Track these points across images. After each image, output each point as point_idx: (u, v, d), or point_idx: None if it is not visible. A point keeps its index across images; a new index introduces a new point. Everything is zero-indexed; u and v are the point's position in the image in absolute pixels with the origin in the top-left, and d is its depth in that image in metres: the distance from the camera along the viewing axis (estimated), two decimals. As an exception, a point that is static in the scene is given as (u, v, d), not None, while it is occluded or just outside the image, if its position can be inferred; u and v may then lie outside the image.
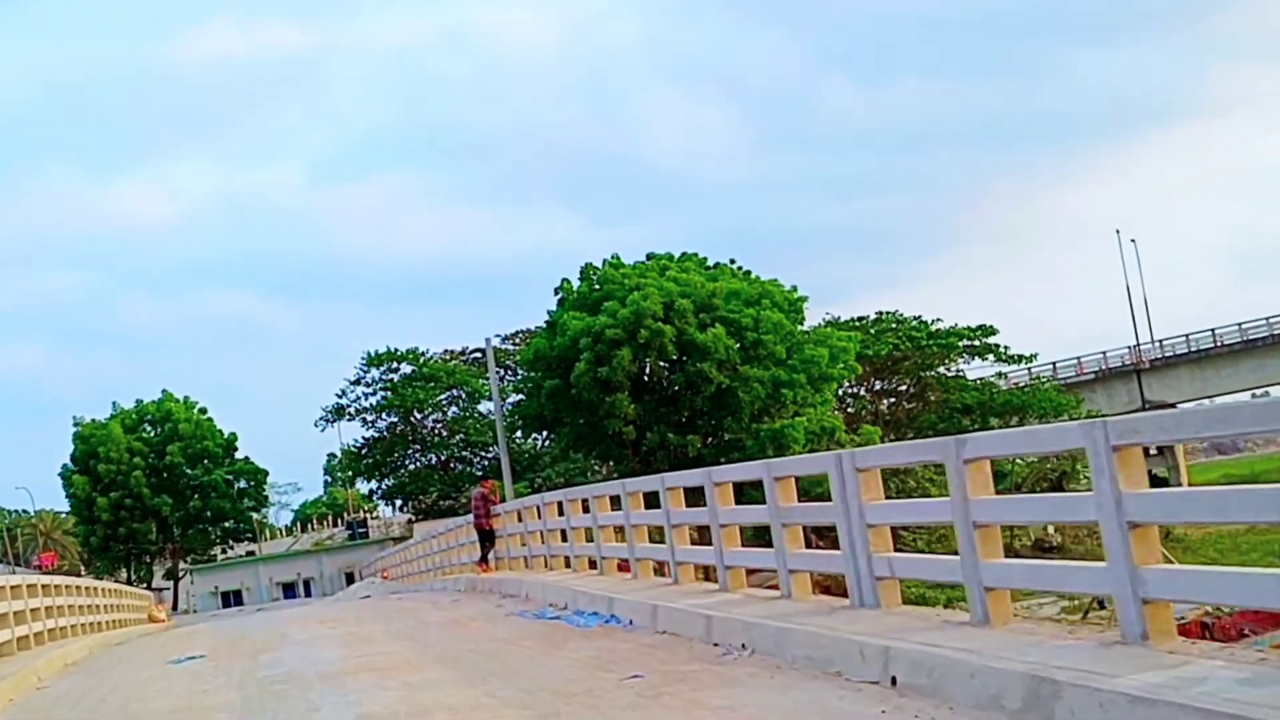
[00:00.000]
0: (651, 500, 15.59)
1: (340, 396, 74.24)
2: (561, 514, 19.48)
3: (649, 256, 51.60)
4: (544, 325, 51.39)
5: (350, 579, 68.55)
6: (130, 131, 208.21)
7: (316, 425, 74.58)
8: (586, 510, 17.94)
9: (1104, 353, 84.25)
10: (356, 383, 74.70)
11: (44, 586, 22.90)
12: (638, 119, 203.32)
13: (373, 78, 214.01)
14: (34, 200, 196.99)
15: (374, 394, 74.71)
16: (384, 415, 74.62)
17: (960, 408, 68.02)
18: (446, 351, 79.70)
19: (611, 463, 52.06)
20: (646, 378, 47.78)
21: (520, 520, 22.58)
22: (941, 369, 69.69)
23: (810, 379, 47.72)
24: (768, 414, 48.22)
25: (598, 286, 50.16)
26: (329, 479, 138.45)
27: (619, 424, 46.37)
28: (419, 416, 75.24)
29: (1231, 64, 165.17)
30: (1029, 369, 73.08)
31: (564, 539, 19.59)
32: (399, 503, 79.29)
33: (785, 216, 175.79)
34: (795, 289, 50.03)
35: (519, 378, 63.71)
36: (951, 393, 68.95)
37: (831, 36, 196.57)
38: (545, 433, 52.82)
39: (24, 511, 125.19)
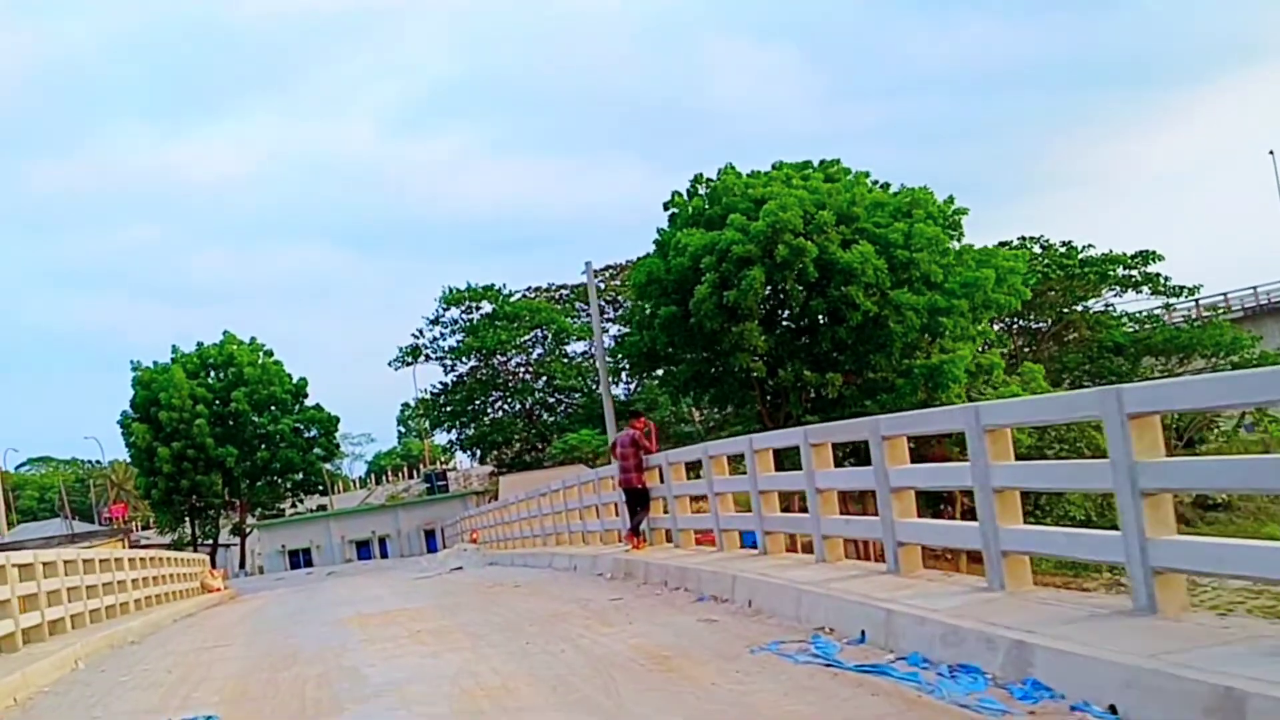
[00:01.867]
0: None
1: (417, 336, 67.84)
2: (788, 465, 12.34)
3: (775, 166, 44.07)
4: (653, 247, 44.08)
5: (430, 537, 62.25)
6: (200, 84, 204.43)
7: (391, 365, 68.46)
8: (857, 460, 10.74)
9: (1254, 288, 75.14)
10: (435, 322, 68.24)
11: (23, 567, 16.39)
12: (705, 67, 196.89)
13: (439, 29, 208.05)
14: (107, 154, 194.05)
15: (452, 335, 68.26)
16: (463, 359, 68.09)
17: (1111, 346, 60.00)
18: (530, 288, 72.75)
19: (731, 407, 44.83)
20: (779, 304, 40.44)
21: (697, 475, 15.51)
22: (1089, 303, 61.59)
23: (971, 307, 40.14)
24: (918, 348, 40.78)
25: (709, 206, 42.78)
26: (403, 430, 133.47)
27: (747, 359, 39.10)
28: (501, 360, 68.56)
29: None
30: (1166, 305, 63.96)
31: (789, 506, 12.44)
32: (479, 454, 72.90)
33: (855, 163, 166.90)
34: (952, 199, 42.28)
35: (625, 309, 56.89)
36: (1099, 330, 60.86)
37: None
38: (650, 373, 45.53)
39: (96, 463, 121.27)
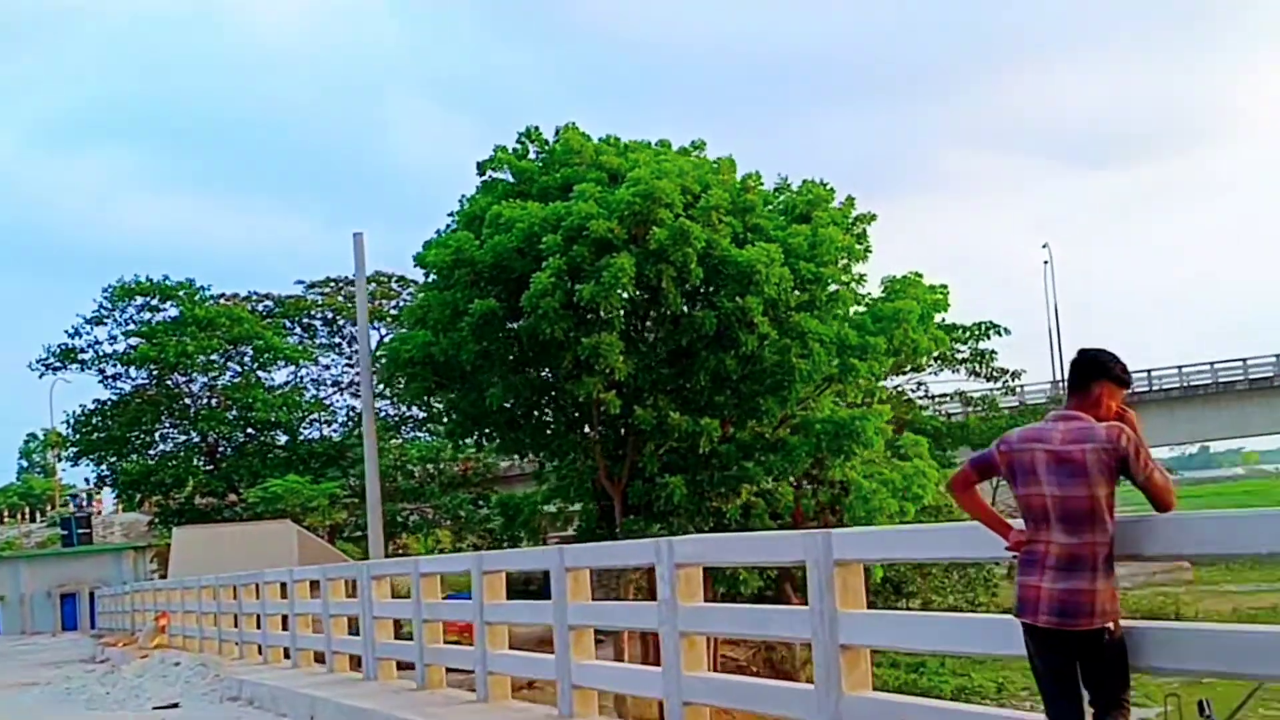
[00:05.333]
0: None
1: (73, 336, 51.52)
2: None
3: (616, 145, 32.42)
4: (452, 223, 31.47)
5: (68, 604, 45.94)
6: None
7: (33, 369, 51.71)
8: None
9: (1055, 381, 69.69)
10: (98, 321, 52.17)
11: None
12: (388, 123, 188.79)
13: (110, 41, 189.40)
14: None
15: (121, 339, 52.42)
16: (132, 370, 52.31)
17: (930, 431, 51.40)
18: (224, 295, 57.44)
19: (543, 457, 32.20)
20: (644, 315, 28.72)
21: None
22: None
23: (889, 349, 29.89)
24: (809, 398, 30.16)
25: (543, 172, 30.93)
26: (25, 464, 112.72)
27: (597, 386, 27.06)
28: (182, 378, 53.11)
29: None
30: (1009, 388, 56.14)
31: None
32: (137, 497, 56.69)
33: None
34: (852, 201, 31.90)
35: (406, 303, 43.76)
36: (912, 409, 52.20)
37: (580, 60, 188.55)
38: (440, 394, 32.03)
39: None
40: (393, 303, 54.29)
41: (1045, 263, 76.76)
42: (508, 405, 28.78)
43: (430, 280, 29.99)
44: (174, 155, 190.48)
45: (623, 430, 28.68)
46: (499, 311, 27.35)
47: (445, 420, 32.53)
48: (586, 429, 29.38)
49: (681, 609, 7.60)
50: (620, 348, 26.67)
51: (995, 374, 52.10)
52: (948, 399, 54.21)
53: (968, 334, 50.32)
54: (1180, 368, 69.15)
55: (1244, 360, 68.56)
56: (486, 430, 31.40)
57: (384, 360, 32.76)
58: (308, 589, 16.04)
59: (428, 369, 29.02)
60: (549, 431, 30.31)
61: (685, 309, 27.72)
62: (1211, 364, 69.55)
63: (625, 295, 26.62)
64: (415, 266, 30.13)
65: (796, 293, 28.05)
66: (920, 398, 53.52)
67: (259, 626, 17.97)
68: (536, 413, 30.12)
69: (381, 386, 39.23)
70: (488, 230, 28.50)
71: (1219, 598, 56.23)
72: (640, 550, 9.00)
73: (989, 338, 50.14)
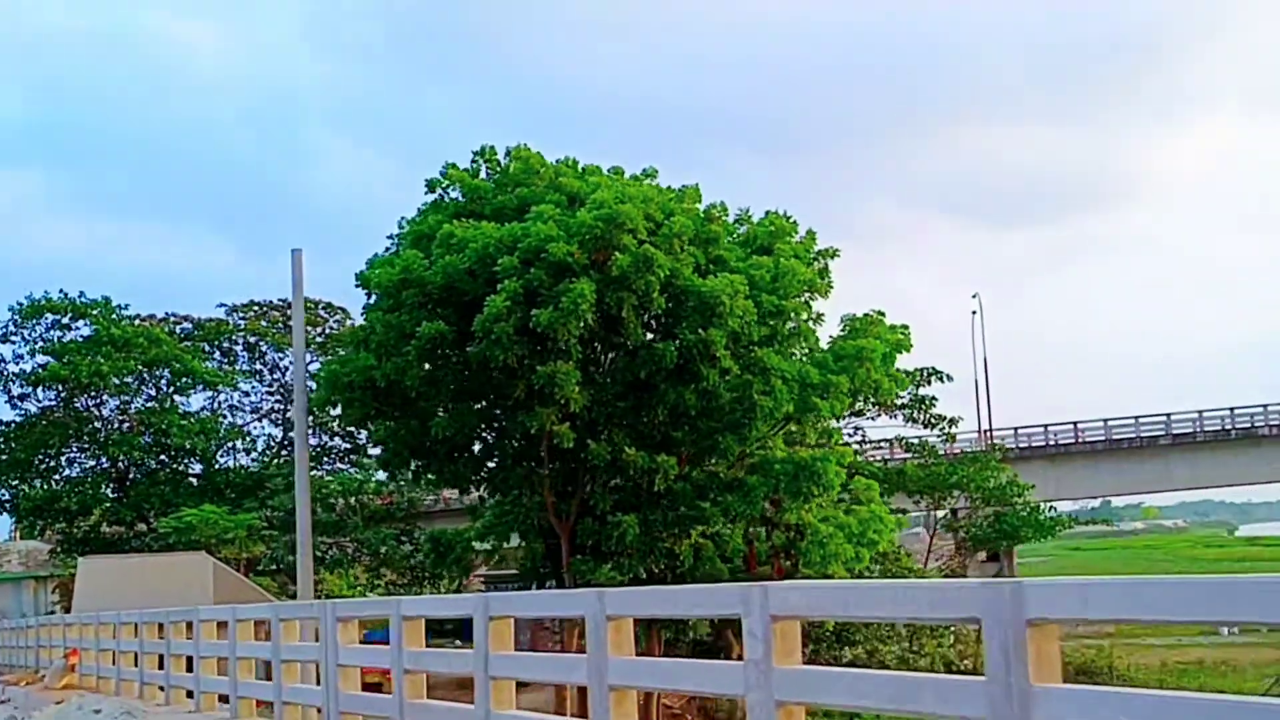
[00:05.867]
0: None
1: (-21, 354, 48.83)
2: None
3: (574, 167, 31.15)
4: (393, 244, 29.88)
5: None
6: None
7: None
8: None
9: (1015, 429, 69.81)
10: (4, 339, 49.58)
11: None
12: (304, 155, 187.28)
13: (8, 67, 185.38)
14: None
15: (29, 360, 49.86)
16: (41, 389, 49.69)
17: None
18: (140, 316, 54.82)
19: (487, 491, 30.52)
20: (603, 345, 27.35)
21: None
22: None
23: (851, 388, 28.84)
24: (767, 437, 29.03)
25: (497, 193, 29.57)
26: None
27: (551, 417, 25.60)
28: (92, 400, 50.64)
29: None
30: (948, 435, 55.70)
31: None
32: (39, 525, 53.75)
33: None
34: (813, 235, 30.74)
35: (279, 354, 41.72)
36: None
37: (504, 100, 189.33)
38: (379, 420, 30.05)
39: None
40: (319, 329, 52.28)
41: (974, 313, 76.55)
42: (450, 435, 27.16)
43: (374, 301, 28.34)
44: (81, 180, 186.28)
45: (574, 465, 27.21)
46: (448, 335, 25.82)
47: (383, 449, 30.71)
48: (534, 463, 27.84)
49: (778, 673, 6.17)
50: (577, 377, 25.27)
51: (933, 420, 51.35)
52: (885, 444, 53.55)
53: (908, 379, 49.62)
54: (1106, 420, 69.36)
55: (1167, 415, 68.86)
56: (425, 461, 29.75)
57: (317, 385, 30.96)
58: (251, 629, 14.40)
59: (368, 394, 27.30)
60: (493, 464, 28.77)
61: (645, 339, 26.41)
62: (1135, 419, 69.74)
63: (584, 323, 25.20)
64: (357, 286, 28.35)
65: (759, 326, 26.89)
66: (856, 442, 52.63)
67: (190, 669, 16.25)
68: (481, 444, 28.58)
69: (310, 416, 37.26)
70: (438, 250, 27.02)
71: (1144, 651, 55.85)
72: (722, 597, 7.48)
73: (930, 383, 49.32)
